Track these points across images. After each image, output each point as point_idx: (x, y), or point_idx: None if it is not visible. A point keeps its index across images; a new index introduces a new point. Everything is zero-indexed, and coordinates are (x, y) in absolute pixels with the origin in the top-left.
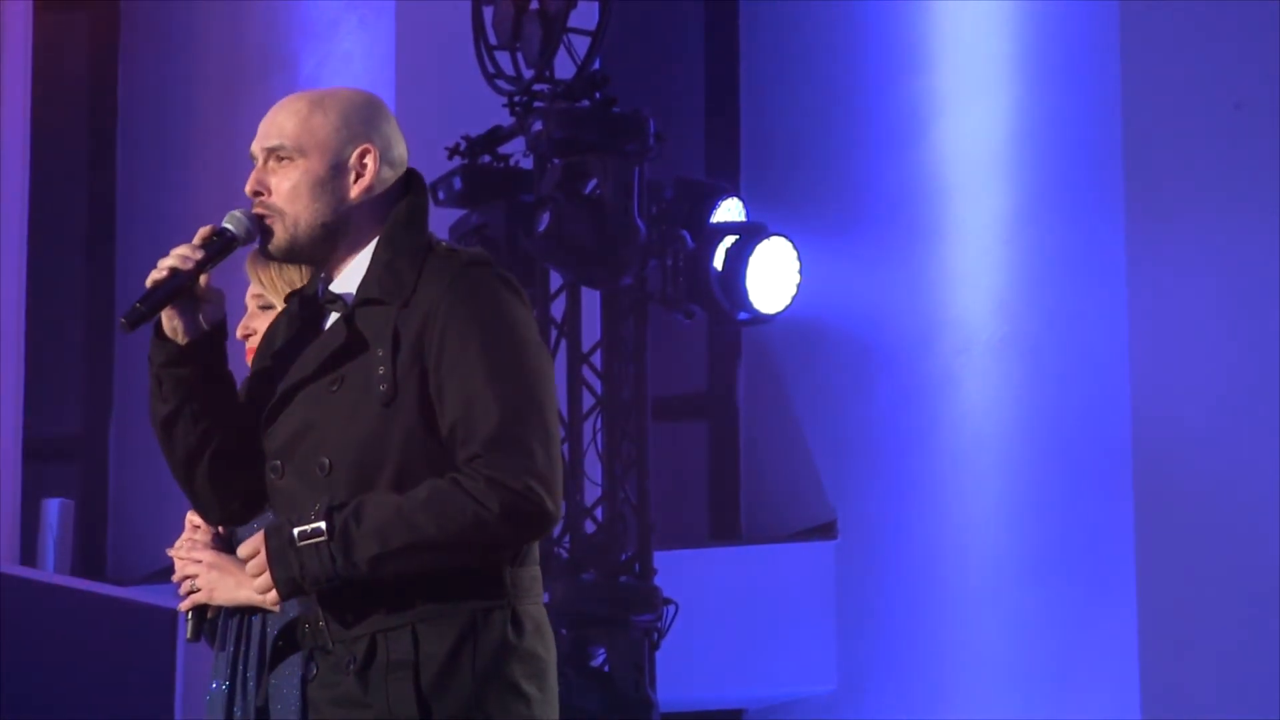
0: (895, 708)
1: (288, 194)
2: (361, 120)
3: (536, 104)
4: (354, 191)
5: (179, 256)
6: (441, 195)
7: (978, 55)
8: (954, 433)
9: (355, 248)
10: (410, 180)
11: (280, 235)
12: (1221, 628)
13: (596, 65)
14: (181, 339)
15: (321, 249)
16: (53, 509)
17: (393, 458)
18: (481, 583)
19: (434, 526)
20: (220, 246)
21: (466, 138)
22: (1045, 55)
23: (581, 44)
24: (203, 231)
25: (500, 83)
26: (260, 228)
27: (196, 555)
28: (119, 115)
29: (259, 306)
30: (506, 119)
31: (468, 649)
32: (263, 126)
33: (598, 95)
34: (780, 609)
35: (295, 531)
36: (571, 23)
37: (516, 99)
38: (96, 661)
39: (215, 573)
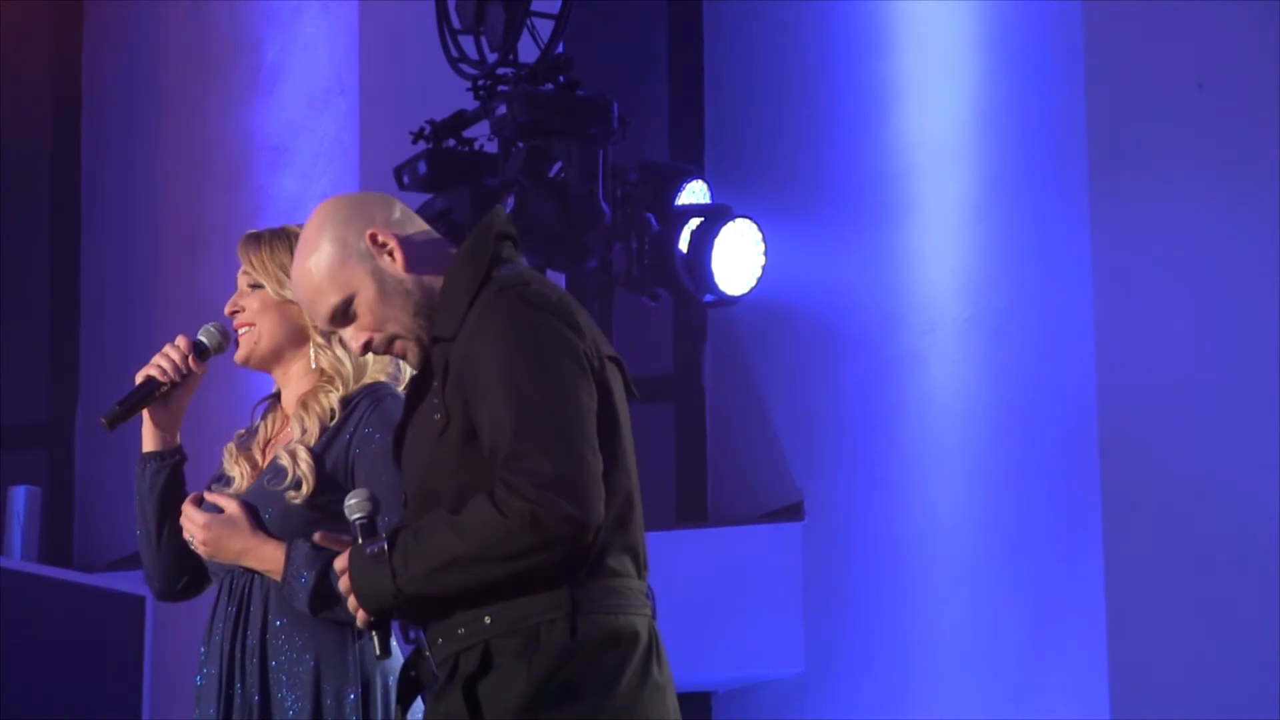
0: (863, 689)
1: (376, 322)
2: (337, 225)
3: (500, 88)
4: (394, 263)
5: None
6: (406, 180)
7: (941, 37)
8: (920, 413)
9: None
10: (480, 224)
11: (402, 350)
12: (1189, 605)
13: (560, 49)
14: None
15: (425, 319)
16: (19, 496)
17: (451, 484)
18: (545, 597)
19: (469, 541)
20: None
21: (431, 122)
22: (1008, 36)
23: (545, 28)
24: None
25: (464, 67)
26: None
27: (191, 514)
28: (83, 100)
29: (248, 285)
30: (470, 103)
31: (527, 656)
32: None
33: (561, 79)
34: (747, 591)
35: (368, 550)
36: (535, 6)
37: (480, 83)
38: (64, 648)
39: (218, 528)
